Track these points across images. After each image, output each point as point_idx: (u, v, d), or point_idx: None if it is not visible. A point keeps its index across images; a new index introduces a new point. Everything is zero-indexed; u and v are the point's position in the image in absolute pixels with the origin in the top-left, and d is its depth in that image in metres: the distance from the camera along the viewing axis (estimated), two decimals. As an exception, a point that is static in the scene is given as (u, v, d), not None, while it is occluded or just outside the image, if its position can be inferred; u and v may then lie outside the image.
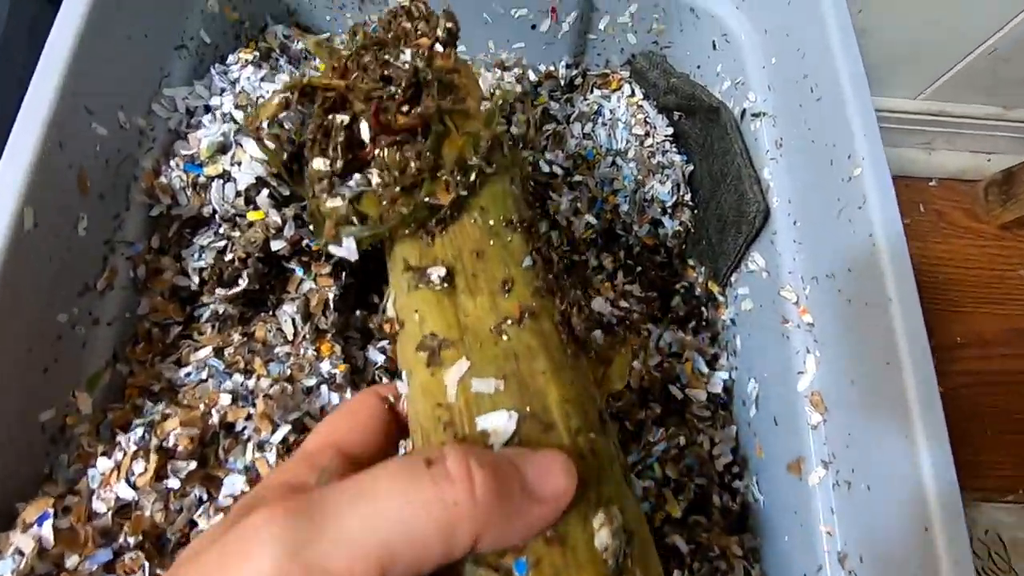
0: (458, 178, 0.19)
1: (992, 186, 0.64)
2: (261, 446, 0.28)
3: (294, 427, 0.29)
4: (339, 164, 0.20)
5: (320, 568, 0.11)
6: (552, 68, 0.44)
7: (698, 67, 0.42)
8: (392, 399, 0.19)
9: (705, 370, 0.38)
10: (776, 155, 0.35)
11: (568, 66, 0.44)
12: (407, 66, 0.20)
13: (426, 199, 0.19)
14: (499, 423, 0.16)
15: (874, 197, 0.27)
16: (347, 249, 0.20)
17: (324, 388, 0.31)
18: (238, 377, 0.30)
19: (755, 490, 0.34)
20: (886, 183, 0.27)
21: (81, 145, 0.27)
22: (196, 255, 0.30)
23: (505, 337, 0.17)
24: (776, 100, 0.35)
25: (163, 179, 0.29)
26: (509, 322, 0.18)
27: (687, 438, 0.36)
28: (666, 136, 0.44)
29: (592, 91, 0.45)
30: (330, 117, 0.20)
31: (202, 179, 0.29)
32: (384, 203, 0.19)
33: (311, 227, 0.27)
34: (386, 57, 0.21)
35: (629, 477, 0.18)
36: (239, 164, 0.29)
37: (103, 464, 0.25)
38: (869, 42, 0.51)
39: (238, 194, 0.30)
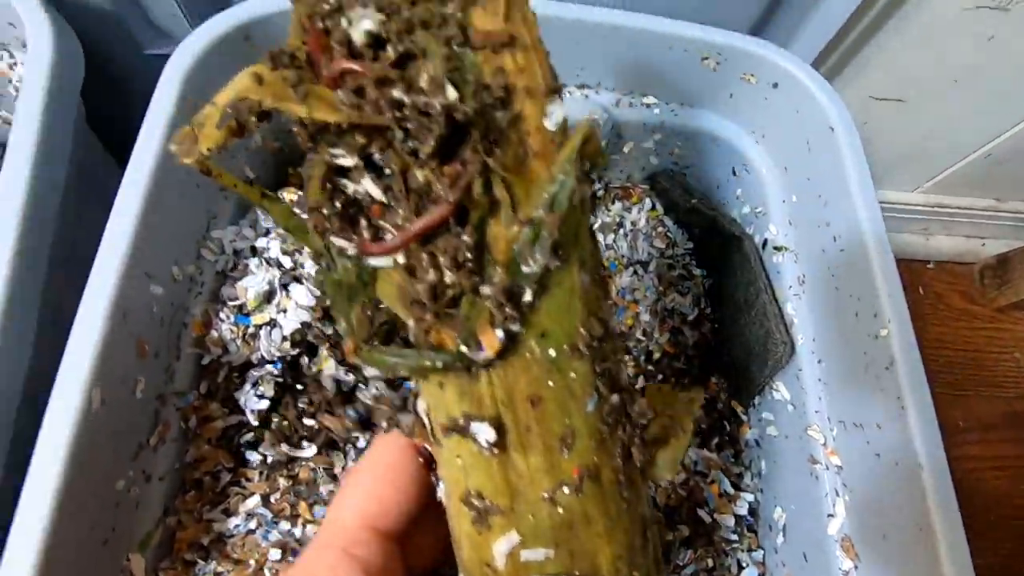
0: (508, 310, 0.14)
1: (987, 270, 0.67)
2: (311, 603, 0.28)
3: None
4: (351, 249, 0.15)
5: None
6: (576, 182, 0.46)
7: (717, 187, 0.44)
8: (425, 452, 0.17)
9: (731, 491, 0.39)
10: (799, 291, 0.36)
11: (592, 182, 0.46)
12: (432, 71, 0.14)
13: (463, 348, 0.15)
14: None
15: (902, 361, 0.29)
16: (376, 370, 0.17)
17: (366, 527, 0.32)
18: (284, 525, 0.30)
19: (784, 620, 0.35)
20: (912, 348, 0.29)
21: (141, 311, 0.28)
22: (252, 398, 0.31)
23: (561, 510, 0.16)
24: (798, 237, 0.37)
25: (214, 332, 0.30)
26: (567, 490, 0.16)
27: (715, 560, 0.37)
28: (687, 250, 0.45)
29: (614, 203, 0.47)
30: (317, 162, 0.15)
31: (251, 329, 0.30)
32: (415, 331, 0.15)
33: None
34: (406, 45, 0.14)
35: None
36: (284, 311, 0.30)
37: (163, 641, 0.25)
38: (871, 147, 0.53)
39: (284, 338, 0.31)
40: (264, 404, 0.31)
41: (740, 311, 0.39)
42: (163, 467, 0.29)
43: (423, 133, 0.14)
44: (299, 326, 0.31)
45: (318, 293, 0.32)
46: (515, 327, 0.15)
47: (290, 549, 0.29)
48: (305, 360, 0.31)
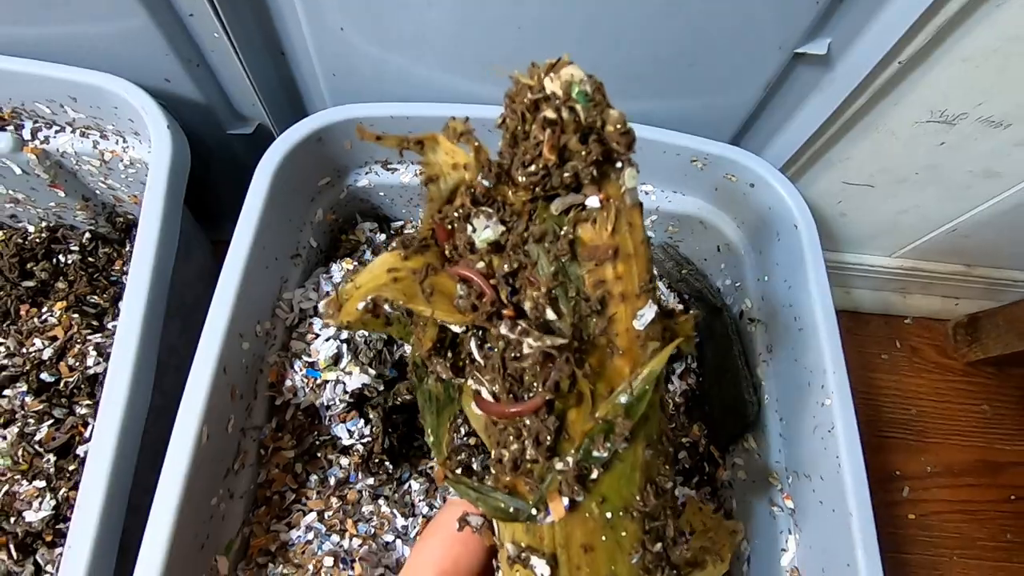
0: (574, 485, 0.16)
1: (959, 328, 0.73)
2: (357, 602, 0.35)
3: (380, 582, 0.36)
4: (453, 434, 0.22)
5: None
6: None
7: (705, 260, 0.51)
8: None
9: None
10: (767, 358, 0.43)
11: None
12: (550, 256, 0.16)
13: (533, 511, 0.17)
14: None
15: (841, 428, 0.35)
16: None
17: (399, 543, 0.39)
18: (335, 538, 0.37)
19: (746, 637, 0.41)
20: (851, 418, 0.35)
21: (235, 363, 0.35)
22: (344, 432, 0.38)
23: None
24: (767, 311, 0.44)
25: (288, 382, 0.37)
26: None
27: (690, 584, 0.44)
28: (678, 311, 0.52)
29: (616, 266, 0.54)
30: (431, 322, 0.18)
31: (319, 381, 0.38)
32: (492, 481, 0.18)
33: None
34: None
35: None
36: (350, 374, 0.37)
37: (246, 626, 0.32)
38: (848, 221, 0.60)
39: (346, 392, 0.38)
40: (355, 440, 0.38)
41: (719, 371, 0.46)
42: (243, 487, 0.37)
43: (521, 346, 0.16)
44: (359, 387, 0.38)
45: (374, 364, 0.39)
46: (579, 498, 0.17)
47: (340, 558, 0.36)
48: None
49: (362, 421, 0.38)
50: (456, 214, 0.18)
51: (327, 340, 0.38)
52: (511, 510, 0.17)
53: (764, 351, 0.43)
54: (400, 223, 0.50)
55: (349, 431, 0.40)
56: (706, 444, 0.49)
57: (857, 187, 0.55)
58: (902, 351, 0.73)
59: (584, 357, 0.17)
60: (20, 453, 0.42)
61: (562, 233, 0.17)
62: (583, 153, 0.17)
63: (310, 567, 0.35)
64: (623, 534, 0.18)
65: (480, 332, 0.18)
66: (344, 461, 0.40)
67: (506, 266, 0.17)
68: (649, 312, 0.17)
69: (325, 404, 0.38)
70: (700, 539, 0.24)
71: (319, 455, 0.39)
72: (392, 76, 0.42)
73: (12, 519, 0.40)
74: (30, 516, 0.40)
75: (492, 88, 0.41)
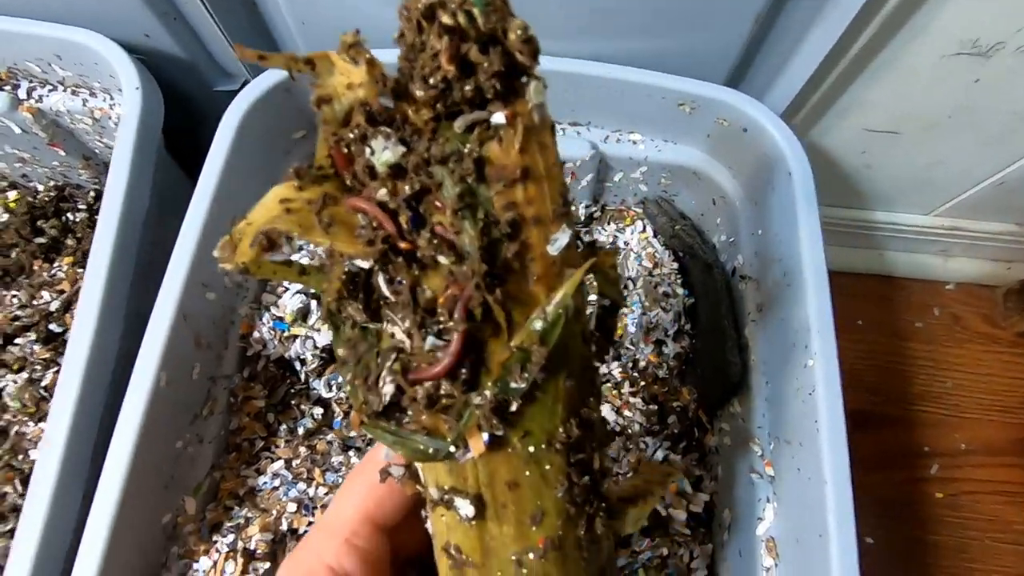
0: (493, 420, 0.16)
1: (1011, 294, 0.66)
2: (317, 548, 0.36)
3: (342, 531, 0.37)
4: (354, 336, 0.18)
5: None
6: (573, 208, 0.51)
7: (702, 215, 0.47)
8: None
9: (689, 490, 0.43)
10: (756, 318, 0.40)
11: (588, 205, 0.50)
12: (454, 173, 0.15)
13: (452, 448, 0.17)
14: None
15: (822, 390, 0.32)
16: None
17: (367, 493, 0.39)
18: (302, 486, 0.38)
19: (722, 606, 0.39)
20: (834, 380, 0.33)
21: (198, 312, 0.36)
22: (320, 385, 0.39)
23: (525, 570, 0.18)
24: (759, 267, 0.41)
25: (256, 333, 0.38)
26: (531, 555, 0.18)
27: (669, 549, 0.42)
28: (672, 270, 0.49)
29: (609, 223, 0.52)
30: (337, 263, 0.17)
31: (287, 335, 0.38)
32: (407, 425, 0.17)
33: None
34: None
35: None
36: (319, 330, 0.37)
37: (204, 563, 0.33)
38: (875, 174, 0.55)
39: (316, 346, 0.38)
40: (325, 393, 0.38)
41: (710, 331, 0.43)
42: (212, 433, 0.38)
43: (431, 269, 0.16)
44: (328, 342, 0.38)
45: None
46: (499, 432, 0.16)
47: (303, 504, 0.37)
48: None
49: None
50: (352, 135, 0.16)
51: (294, 295, 0.38)
52: (430, 451, 0.17)
53: (754, 310, 0.40)
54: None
55: (329, 384, 0.40)
56: (695, 409, 0.46)
57: (881, 135, 0.49)
58: (941, 319, 0.67)
59: (496, 284, 0.16)
60: (28, 397, 0.45)
61: (466, 151, 0.16)
62: (484, 65, 0.16)
63: (274, 511, 0.36)
64: (547, 467, 0.17)
65: (388, 266, 0.17)
66: (317, 412, 0.40)
67: (407, 188, 0.16)
68: (563, 237, 0.16)
69: (297, 357, 0.39)
70: (634, 479, 0.23)
71: (292, 404, 0.40)
72: (361, 21, 0.40)
73: (20, 456, 0.43)
74: (35, 455, 0.43)
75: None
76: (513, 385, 0.16)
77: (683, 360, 0.49)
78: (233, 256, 0.16)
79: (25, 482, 0.42)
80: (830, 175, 0.55)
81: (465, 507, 0.17)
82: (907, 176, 0.55)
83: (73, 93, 0.45)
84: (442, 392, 0.16)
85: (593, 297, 0.22)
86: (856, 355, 0.64)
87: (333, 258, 0.18)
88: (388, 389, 0.17)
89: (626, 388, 0.48)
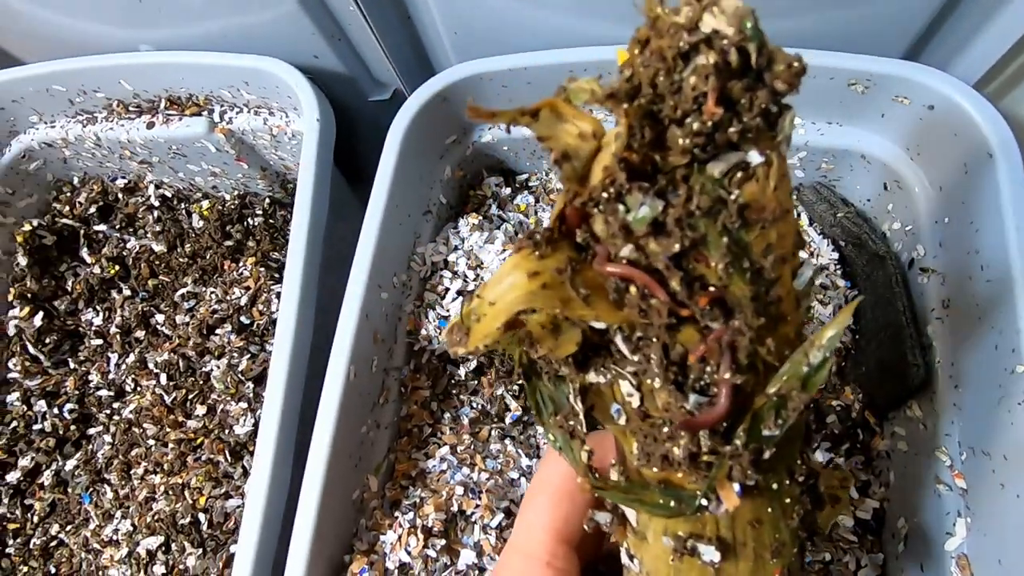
0: (748, 470, 0.15)
1: None
2: (485, 528, 0.39)
3: (505, 514, 0.39)
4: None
5: None
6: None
7: (868, 201, 0.44)
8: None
9: (855, 495, 0.41)
10: (942, 315, 0.37)
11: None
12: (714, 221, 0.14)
13: (703, 502, 0.16)
14: None
15: (1034, 399, 0.29)
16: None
17: (523, 480, 0.41)
18: (465, 470, 0.41)
19: (898, 620, 0.37)
20: (1048, 388, 0.29)
21: (375, 311, 0.39)
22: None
23: None
24: (947, 260, 0.37)
25: (423, 331, 0.41)
26: None
27: (832, 555, 0.40)
28: (831, 260, 0.46)
29: (758, 212, 0.49)
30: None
31: (448, 329, 0.41)
32: (636, 458, 0.16)
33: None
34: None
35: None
36: None
37: (391, 536, 0.37)
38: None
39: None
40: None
41: (879, 328, 0.40)
42: (387, 419, 0.42)
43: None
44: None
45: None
46: (752, 482, 0.16)
47: (469, 488, 0.40)
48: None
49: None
50: (606, 195, 0.15)
51: (455, 299, 0.41)
52: (671, 505, 0.16)
53: (939, 306, 0.37)
54: (525, 176, 0.50)
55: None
56: (860, 409, 0.43)
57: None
58: None
59: (765, 333, 0.15)
60: (229, 379, 0.52)
61: (731, 198, 0.14)
62: (747, 102, 0.14)
63: (444, 493, 0.39)
64: (787, 500, 0.17)
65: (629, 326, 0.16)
66: (477, 402, 0.43)
67: (675, 245, 0.15)
68: (808, 270, 0.15)
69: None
70: (824, 486, 0.22)
71: (453, 394, 0.43)
72: (512, 27, 0.42)
73: (226, 431, 0.51)
74: (238, 430, 0.50)
75: (610, 27, 0.39)
76: (767, 433, 0.15)
77: (843, 356, 0.46)
78: (467, 340, 0.16)
79: (233, 453, 0.50)
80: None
81: (710, 553, 0.17)
82: None
83: (255, 113, 0.51)
84: (704, 448, 0.16)
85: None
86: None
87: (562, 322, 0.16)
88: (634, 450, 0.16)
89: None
